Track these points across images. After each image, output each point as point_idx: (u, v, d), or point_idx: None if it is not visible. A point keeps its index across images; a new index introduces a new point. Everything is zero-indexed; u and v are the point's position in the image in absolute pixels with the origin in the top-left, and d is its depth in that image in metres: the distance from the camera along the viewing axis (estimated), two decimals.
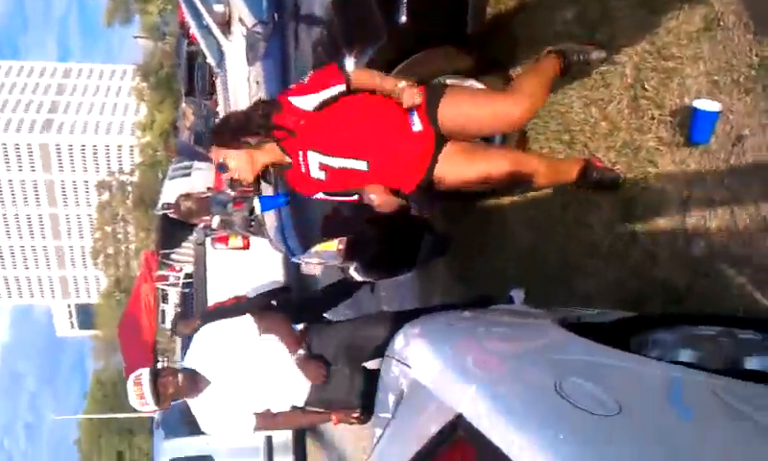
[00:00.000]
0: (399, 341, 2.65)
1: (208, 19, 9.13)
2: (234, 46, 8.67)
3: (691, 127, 2.78)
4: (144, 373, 3.25)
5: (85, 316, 75.01)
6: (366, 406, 3.48)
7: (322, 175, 2.84)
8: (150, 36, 43.89)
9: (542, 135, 3.68)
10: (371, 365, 3.53)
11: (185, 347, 14.12)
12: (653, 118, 3.00)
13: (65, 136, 77.60)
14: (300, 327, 3.59)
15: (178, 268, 16.19)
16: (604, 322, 2.41)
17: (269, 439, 8.34)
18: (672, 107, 2.92)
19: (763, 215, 2.50)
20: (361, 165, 2.80)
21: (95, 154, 78.15)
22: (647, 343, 2.17)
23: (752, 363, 1.93)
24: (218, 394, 3.33)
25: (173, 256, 16.94)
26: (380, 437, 2.08)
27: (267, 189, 4.38)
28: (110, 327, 43.94)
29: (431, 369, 2.06)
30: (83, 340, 78.55)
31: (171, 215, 15.52)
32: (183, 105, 21.79)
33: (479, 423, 1.67)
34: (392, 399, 2.38)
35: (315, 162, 2.82)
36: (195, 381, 3.30)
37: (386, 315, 3.82)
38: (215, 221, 14.21)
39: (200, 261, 8.59)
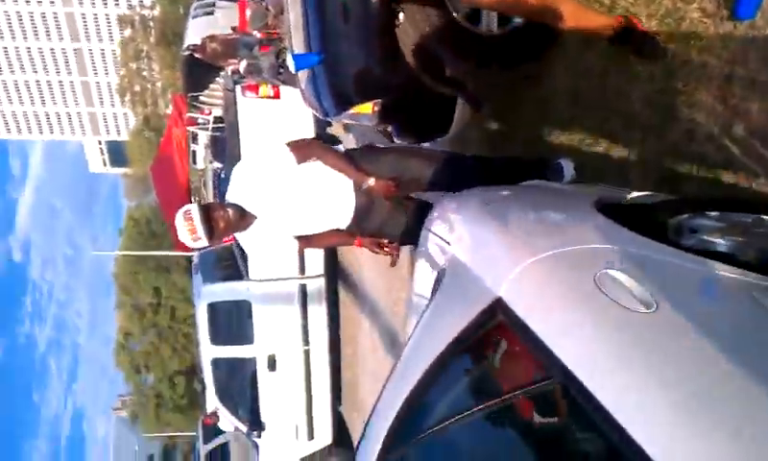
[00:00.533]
0: (438, 215, 2.76)
1: None
2: None
3: (736, 0, 2.69)
4: (193, 208, 3.16)
5: (117, 153, 76.00)
6: (400, 239, 3.60)
7: None
8: None
9: None
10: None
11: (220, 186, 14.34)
12: None
13: None
14: (341, 148, 3.61)
15: (207, 111, 16.30)
16: (641, 204, 2.47)
17: (303, 287, 8.72)
18: None
19: None
20: None
21: None
22: (683, 228, 2.23)
23: None
24: (264, 225, 3.38)
25: (201, 99, 16.99)
26: (422, 314, 2.21)
27: (300, 47, 4.32)
28: (142, 164, 44.63)
29: (471, 249, 2.17)
30: (115, 177, 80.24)
31: (197, 56, 15.41)
32: None
33: (518, 309, 1.79)
34: (431, 274, 2.51)
35: None
36: (243, 216, 3.30)
37: (428, 151, 3.79)
38: (242, 65, 14.06)
39: (230, 108, 8.59)
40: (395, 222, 3.59)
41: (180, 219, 3.16)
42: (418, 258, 2.89)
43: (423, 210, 3.18)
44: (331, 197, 3.42)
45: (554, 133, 3.85)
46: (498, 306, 1.83)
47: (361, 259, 8.32)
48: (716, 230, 2.19)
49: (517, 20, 3.74)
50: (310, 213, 3.42)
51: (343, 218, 3.49)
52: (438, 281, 2.33)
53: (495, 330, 1.86)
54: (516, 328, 1.76)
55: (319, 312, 8.93)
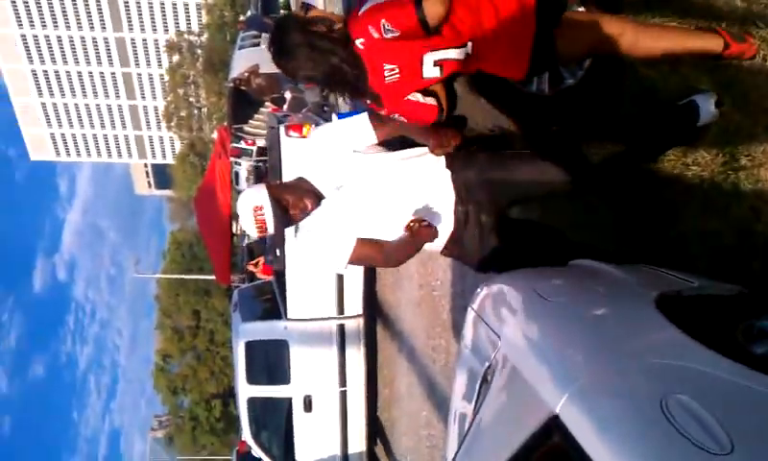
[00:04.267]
0: (485, 298, 2.63)
1: None
2: None
3: None
4: (265, 204, 2.75)
5: (162, 176, 77.58)
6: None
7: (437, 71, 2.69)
8: None
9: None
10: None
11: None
12: (765, 59, 2.71)
13: None
14: None
15: (250, 141, 16.50)
16: (706, 296, 2.31)
17: (341, 327, 8.64)
18: None
19: None
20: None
21: (163, 12, 78.00)
22: (753, 331, 2.07)
23: None
24: (329, 211, 2.88)
25: (246, 129, 17.22)
26: (472, 423, 2.09)
27: (345, 105, 4.27)
28: (186, 188, 45.35)
29: (524, 354, 2.03)
30: (160, 199, 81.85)
31: (242, 88, 15.66)
32: None
33: (576, 432, 1.65)
34: (479, 362, 2.39)
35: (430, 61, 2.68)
36: (316, 203, 2.86)
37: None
38: (287, 96, 14.18)
39: (274, 146, 8.59)
40: (484, 249, 2.95)
41: (249, 212, 2.77)
42: (465, 337, 2.76)
43: None
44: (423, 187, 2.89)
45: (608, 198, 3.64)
46: (554, 426, 1.70)
47: (402, 300, 8.21)
48: None
49: (569, 81, 3.63)
50: (390, 205, 2.88)
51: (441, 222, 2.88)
52: (486, 378, 2.20)
53: (551, 452, 1.73)
54: (572, 453, 1.63)
55: (356, 353, 8.82)
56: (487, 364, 2.24)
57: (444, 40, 2.65)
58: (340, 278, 8.50)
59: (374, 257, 3.00)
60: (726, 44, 2.72)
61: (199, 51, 48.05)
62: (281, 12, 17.53)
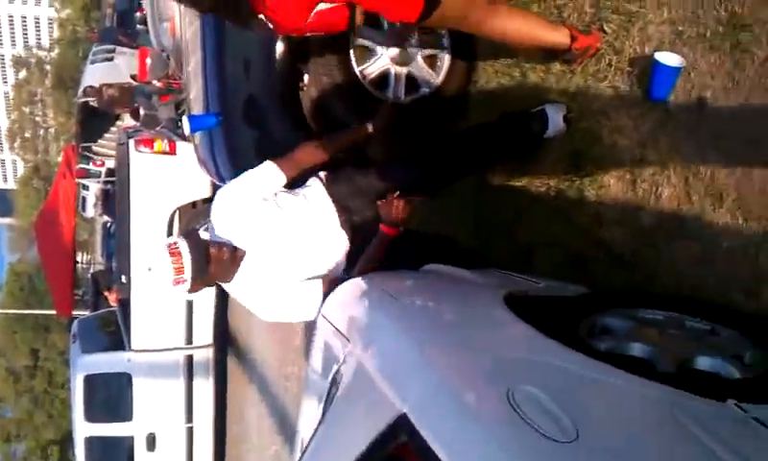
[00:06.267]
0: (336, 302, 2.51)
1: None
2: None
3: (650, 80, 2.64)
4: (180, 240, 2.53)
5: (2, 202, 71.96)
6: None
7: None
8: None
9: (491, 67, 3.50)
10: None
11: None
12: (609, 64, 2.84)
13: None
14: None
15: (99, 162, 15.54)
16: (551, 297, 2.32)
17: (189, 358, 8.21)
18: (631, 54, 2.77)
19: (718, 191, 2.41)
20: None
21: (11, 25, 73.29)
22: (596, 328, 2.09)
23: (703, 363, 1.87)
24: (258, 265, 2.72)
25: (94, 149, 16.24)
26: (320, 421, 1.95)
27: (198, 107, 4.05)
28: (28, 215, 42.20)
29: (373, 355, 1.93)
30: None
31: (92, 104, 14.78)
32: None
33: (423, 429, 1.56)
34: (328, 368, 2.26)
35: None
36: (234, 256, 2.67)
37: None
38: (141, 112, 13.53)
39: (122, 163, 8.12)
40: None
41: (163, 254, 2.52)
42: (314, 344, 2.62)
43: None
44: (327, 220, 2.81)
45: (464, 205, 3.68)
46: (402, 425, 1.60)
47: (254, 327, 7.93)
48: (630, 331, 2.07)
49: (425, 90, 3.64)
50: (310, 242, 2.79)
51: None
52: (334, 383, 2.07)
53: (398, 452, 1.62)
54: (420, 454, 1.53)
55: (205, 386, 8.39)
56: (336, 367, 2.11)
57: None
58: (189, 305, 8.05)
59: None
60: (573, 37, 2.80)
61: (48, 67, 45.31)
62: (138, 26, 16.86)
